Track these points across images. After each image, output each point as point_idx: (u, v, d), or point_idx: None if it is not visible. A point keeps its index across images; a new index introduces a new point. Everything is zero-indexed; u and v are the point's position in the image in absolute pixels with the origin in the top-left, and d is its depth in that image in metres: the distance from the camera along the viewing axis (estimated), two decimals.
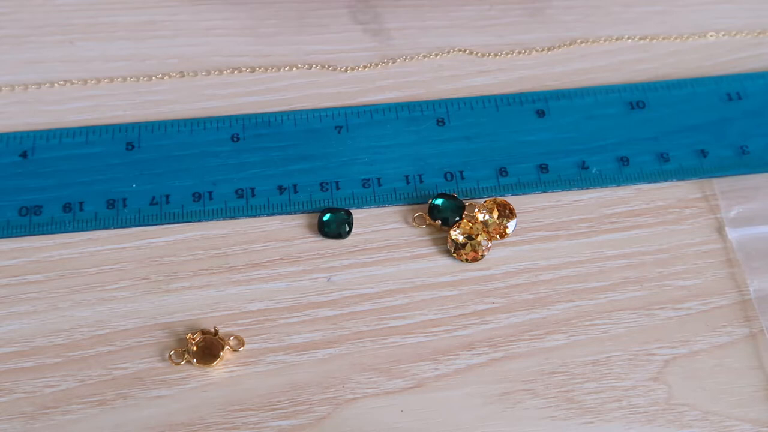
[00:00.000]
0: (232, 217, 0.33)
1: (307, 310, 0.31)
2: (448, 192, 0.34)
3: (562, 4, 0.40)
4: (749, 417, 0.30)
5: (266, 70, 0.37)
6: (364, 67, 0.38)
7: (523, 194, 0.34)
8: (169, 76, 0.37)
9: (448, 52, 0.38)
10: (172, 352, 0.30)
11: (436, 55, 0.38)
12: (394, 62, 0.38)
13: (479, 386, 0.30)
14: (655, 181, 0.35)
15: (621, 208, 0.34)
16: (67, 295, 0.32)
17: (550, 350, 0.31)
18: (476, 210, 0.33)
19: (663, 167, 0.35)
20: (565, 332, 0.31)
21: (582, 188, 0.34)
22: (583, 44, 0.39)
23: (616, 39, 0.39)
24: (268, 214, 0.33)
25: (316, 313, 0.31)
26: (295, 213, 0.34)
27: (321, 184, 0.34)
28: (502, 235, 0.33)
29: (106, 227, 0.33)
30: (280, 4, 0.40)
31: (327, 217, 0.33)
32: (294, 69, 0.38)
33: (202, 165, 0.34)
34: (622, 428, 0.29)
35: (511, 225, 0.33)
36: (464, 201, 0.34)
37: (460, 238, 0.33)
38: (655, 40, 0.39)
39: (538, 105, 0.36)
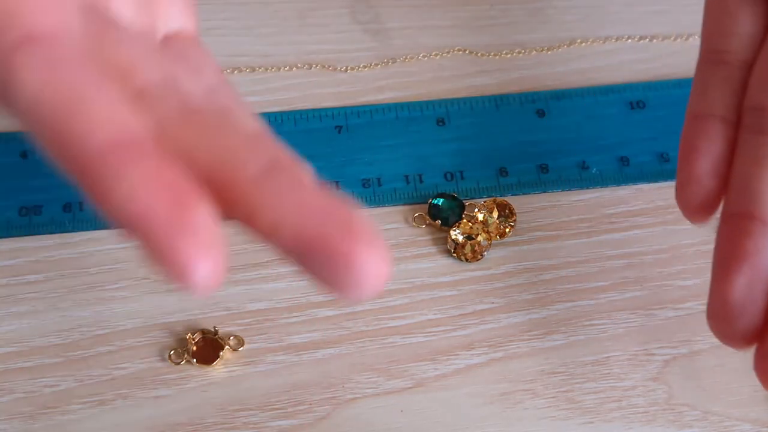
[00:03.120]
0: None
1: (307, 310, 0.31)
2: (448, 192, 0.34)
3: (562, 4, 0.40)
4: (749, 417, 0.30)
5: (266, 70, 0.37)
6: (364, 67, 0.38)
7: (523, 194, 0.34)
8: None
9: (448, 52, 0.38)
10: (172, 352, 0.30)
11: (436, 55, 0.38)
12: (394, 62, 0.38)
13: (479, 386, 0.30)
14: (655, 181, 0.35)
15: (621, 208, 0.34)
16: (67, 295, 0.32)
17: (550, 350, 0.31)
18: (476, 210, 0.33)
19: (663, 167, 0.35)
20: (564, 332, 0.31)
21: (582, 188, 0.34)
22: (583, 44, 0.39)
23: (616, 39, 0.39)
24: None
25: (316, 313, 0.31)
26: None
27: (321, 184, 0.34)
28: (502, 235, 0.33)
29: (106, 227, 0.33)
30: (280, 4, 0.40)
31: None
32: (294, 69, 0.38)
33: None
34: (622, 428, 0.29)
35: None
36: (464, 201, 0.34)
37: (460, 238, 0.33)
38: (655, 40, 0.39)
39: (538, 105, 0.36)
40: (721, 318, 0.23)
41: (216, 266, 0.16)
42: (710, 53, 0.27)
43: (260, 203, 0.17)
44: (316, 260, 0.16)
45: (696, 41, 0.39)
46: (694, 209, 0.26)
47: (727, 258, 0.24)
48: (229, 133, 0.19)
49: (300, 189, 0.17)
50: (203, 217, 0.16)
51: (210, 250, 0.16)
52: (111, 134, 0.17)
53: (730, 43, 0.27)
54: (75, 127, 0.17)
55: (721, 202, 0.25)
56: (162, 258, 0.16)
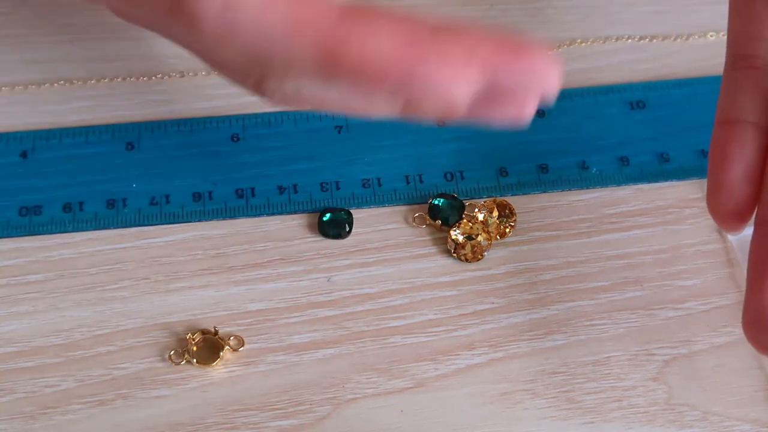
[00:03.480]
0: (232, 217, 0.33)
1: (307, 310, 0.31)
2: (448, 192, 0.34)
3: (562, 4, 0.40)
4: (749, 417, 0.30)
5: None
6: None
7: (523, 194, 0.34)
8: (169, 76, 0.37)
9: None
10: (172, 352, 0.30)
11: None
12: None
13: (479, 386, 0.30)
14: (655, 181, 0.35)
15: (621, 208, 0.34)
16: (67, 295, 0.32)
17: (550, 350, 0.31)
18: (476, 210, 0.33)
19: (663, 167, 0.35)
20: (565, 332, 0.31)
21: (582, 188, 0.34)
22: (583, 44, 0.39)
23: (616, 39, 0.39)
24: (268, 214, 0.33)
25: (316, 313, 0.31)
26: (295, 213, 0.34)
27: (321, 184, 0.34)
28: (502, 235, 0.33)
29: (106, 227, 0.33)
30: None
31: (327, 217, 0.33)
32: None
33: (202, 165, 0.34)
34: (622, 428, 0.29)
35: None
36: (464, 201, 0.34)
37: (460, 238, 0.33)
38: (655, 40, 0.39)
39: (538, 105, 0.36)
40: (758, 327, 0.23)
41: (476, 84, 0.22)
42: (738, 58, 0.27)
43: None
44: (513, 71, 0.23)
45: (696, 41, 0.39)
46: (727, 216, 0.25)
47: (761, 265, 0.23)
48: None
49: (491, 37, 0.23)
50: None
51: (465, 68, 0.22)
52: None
53: (760, 47, 0.26)
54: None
55: (755, 209, 0.25)
56: (429, 84, 0.21)
